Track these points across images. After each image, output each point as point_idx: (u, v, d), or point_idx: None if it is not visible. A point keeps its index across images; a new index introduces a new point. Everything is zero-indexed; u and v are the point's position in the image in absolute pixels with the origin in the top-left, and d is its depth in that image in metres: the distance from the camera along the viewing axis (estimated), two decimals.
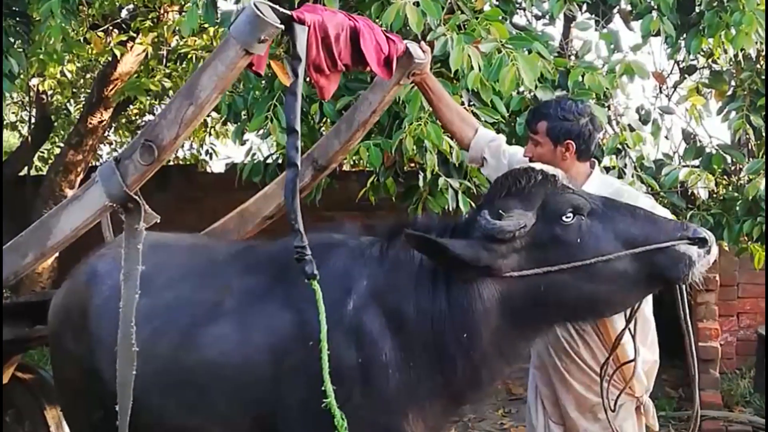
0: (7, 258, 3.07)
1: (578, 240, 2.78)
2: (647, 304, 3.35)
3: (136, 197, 2.79)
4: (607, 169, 4.39)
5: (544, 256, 2.79)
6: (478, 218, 2.79)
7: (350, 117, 3.63)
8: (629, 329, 3.19)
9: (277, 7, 2.62)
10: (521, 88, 4.11)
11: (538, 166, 2.94)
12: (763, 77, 4.85)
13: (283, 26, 2.61)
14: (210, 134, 11.14)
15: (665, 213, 3.36)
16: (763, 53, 4.95)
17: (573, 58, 4.76)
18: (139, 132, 2.74)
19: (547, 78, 4.24)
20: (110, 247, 3.75)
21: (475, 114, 4.06)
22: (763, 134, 4.87)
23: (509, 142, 4.20)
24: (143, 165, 2.73)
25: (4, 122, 11.81)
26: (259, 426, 3.05)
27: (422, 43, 3.48)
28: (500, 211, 2.79)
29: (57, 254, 8.07)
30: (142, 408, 3.22)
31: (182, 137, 2.73)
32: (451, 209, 4.15)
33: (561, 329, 3.35)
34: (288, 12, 2.63)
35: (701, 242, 2.78)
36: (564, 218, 2.79)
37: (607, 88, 4.30)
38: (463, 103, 4.09)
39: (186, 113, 2.68)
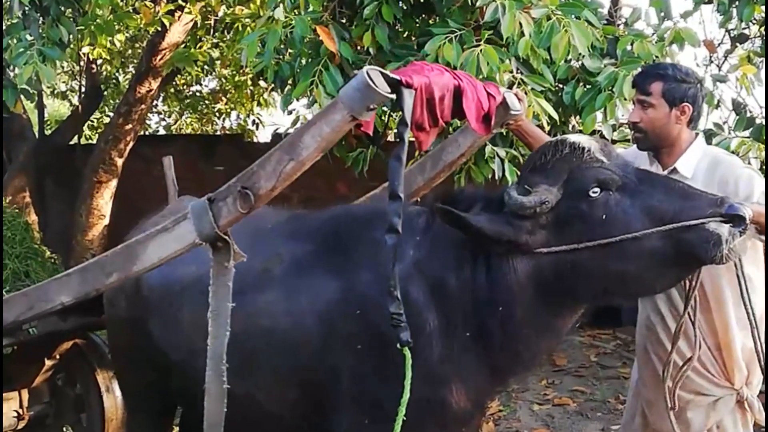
0: (90, 273, 3.10)
1: (604, 216, 2.68)
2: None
3: (227, 237, 2.81)
4: None
5: (571, 232, 2.71)
6: (504, 193, 2.76)
7: (437, 155, 3.58)
8: (689, 313, 3.13)
9: (387, 72, 2.59)
10: (569, 56, 4.05)
11: (571, 138, 2.81)
12: None
13: (393, 95, 2.58)
14: (258, 104, 11.17)
15: (762, 185, 3.16)
16: None
17: (622, 25, 4.68)
18: (235, 180, 2.75)
19: (595, 46, 4.16)
20: (163, 215, 3.82)
21: (523, 82, 4.03)
22: None
23: (556, 111, 4.18)
24: (238, 210, 2.74)
25: (55, 91, 11.99)
26: (305, 394, 3.08)
27: (518, 91, 3.41)
28: (526, 187, 2.73)
29: (107, 221, 8.30)
30: (189, 371, 3.30)
31: (279, 189, 2.71)
32: (497, 177, 4.12)
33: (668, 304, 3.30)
34: (397, 77, 2.60)
35: (737, 219, 2.62)
36: (590, 193, 2.69)
37: (656, 57, 4.19)
38: (511, 71, 4.05)
39: (285, 168, 2.66)
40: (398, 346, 2.66)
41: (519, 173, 4.16)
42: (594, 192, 2.69)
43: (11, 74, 5.70)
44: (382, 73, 2.55)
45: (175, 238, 2.86)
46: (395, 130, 2.63)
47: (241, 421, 3.33)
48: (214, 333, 2.84)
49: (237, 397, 3.15)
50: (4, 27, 5.21)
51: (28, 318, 3.39)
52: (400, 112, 2.61)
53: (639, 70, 3.86)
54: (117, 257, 3.02)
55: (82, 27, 6.15)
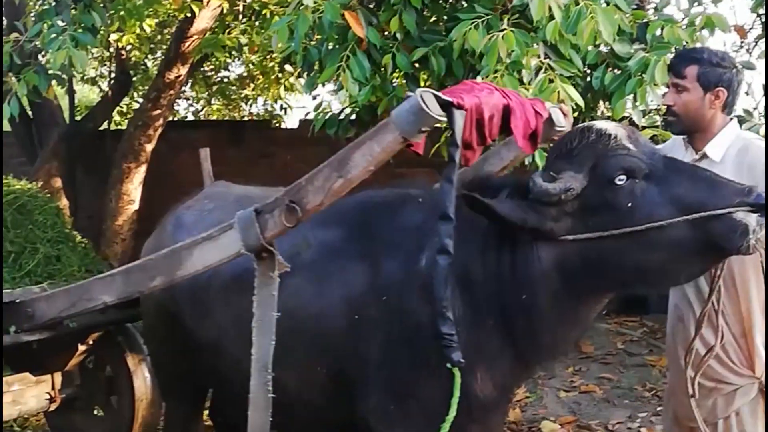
0: (135, 276, 3.18)
1: (629, 204, 2.65)
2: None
3: (272, 248, 2.85)
4: None
5: (596, 220, 2.69)
6: (530, 180, 2.74)
7: (479, 166, 3.52)
8: (713, 302, 3.12)
9: (439, 94, 2.61)
10: (598, 42, 4.03)
11: (597, 125, 2.80)
12: None
13: (445, 118, 2.60)
14: (285, 88, 11.20)
15: None
16: None
17: (652, 10, 4.64)
18: (283, 194, 2.80)
19: (624, 31, 4.13)
20: (197, 199, 3.87)
21: (551, 67, 4.01)
22: None
23: (584, 97, 4.16)
24: (284, 224, 2.79)
25: (84, 77, 12.07)
26: (334, 379, 3.12)
27: (563, 105, 3.39)
28: (552, 173, 2.72)
29: (136, 206, 8.39)
30: (221, 354, 3.34)
31: (326, 205, 2.77)
32: (527, 163, 4.10)
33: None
34: (449, 99, 2.60)
35: (765, 209, 2.60)
36: (616, 181, 2.66)
37: (686, 42, 4.15)
38: (539, 57, 4.03)
39: (334, 185, 2.72)
40: (448, 365, 2.70)
41: None
42: (620, 180, 2.67)
43: (42, 60, 5.75)
44: (434, 95, 2.58)
45: (221, 246, 2.93)
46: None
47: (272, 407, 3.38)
48: (259, 342, 2.90)
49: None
50: (36, 12, 5.26)
51: (69, 314, 3.47)
52: (450, 132, 2.63)
53: (670, 55, 3.83)
54: (162, 262, 3.10)
55: (112, 12, 6.19)
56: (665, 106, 3.35)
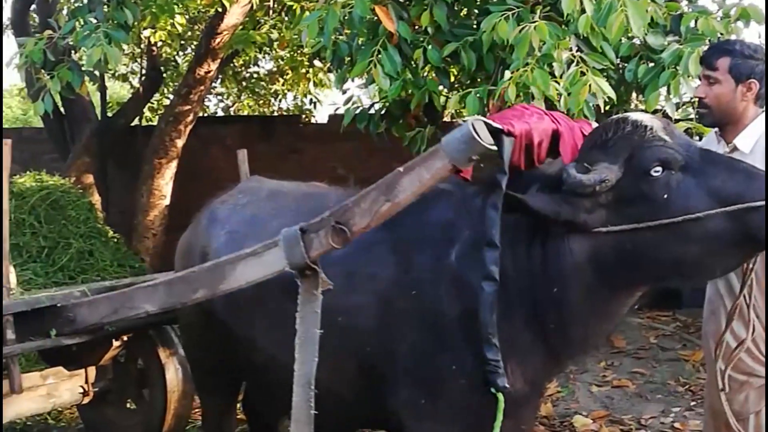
0: (177, 287, 3.23)
1: (665, 196, 2.62)
2: None
3: (316, 267, 2.87)
4: None
5: (631, 212, 2.65)
6: (562, 171, 2.70)
7: None
8: (744, 296, 3.08)
9: (490, 121, 2.62)
10: (631, 34, 3.99)
11: (633, 116, 2.76)
12: None
13: (495, 147, 2.62)
14: (314, 84, 11.23)
15: None
16: None
17: (685, 1, 4.59)
18: (329, 214, 2.84)
19: (658, 23, 4.08)
20: (231, 194, 3.90)
21: (582, 60, 3.98)
22: None
23: (617, 90, 4.12)
24: (330, 244, 2.82)
25: (116, 73, 12.16)
26: (365, 374, 3.13)
27: None
28: (586, 165, 2.68)
29: (168, 201, 8.45)
30: (256, 348, 3.37)
31: (372, 226, 2.80)
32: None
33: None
34: (499, 126, 2.62)
35: None
36: (652, 172, 2.63)
37: (721, 34, 4.09)
38: (570, 49, 4.01)
39: (381, 208, 2.75)
40: (493, 390, 2.74)
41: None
42: (656, 171, 2.63)
43: (75, 57, 5.80)
44: (485, 123, 2.60)
45: (265, 263, 2.96)
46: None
47: None
48: (302, 359, 2.92)
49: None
50: (68, 9, 5.30)
51: (111, 321, 3.51)
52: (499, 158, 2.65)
53: (704, 47, 3.79)
54: (205, 275, 3.14)
55: (144, 9, 6.23)
56: (697, 99, 3.35)
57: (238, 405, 4.51)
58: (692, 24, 4.09)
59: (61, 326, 3.61)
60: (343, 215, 2.80)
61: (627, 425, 5.61)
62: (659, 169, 2.64)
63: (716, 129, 3.41)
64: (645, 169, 2.65)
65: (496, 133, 2.64)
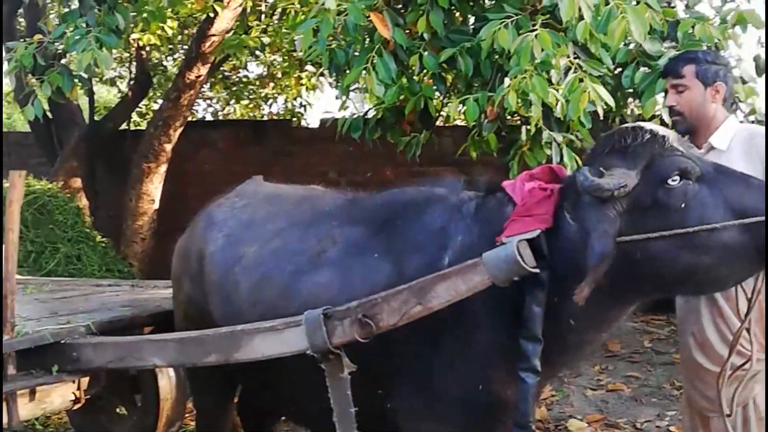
0: (189, 347, 3.19)
1: (682, 206, 2.59)
2: None
3: (339, 351, 2.87)
4: None
5: (645, 220, 2.62)
6: (577, 175, 2.66)
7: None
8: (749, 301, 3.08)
9: (532, 234, 2.66)
10: (628, 41, 4.00)
11: (648, 125, 2.74)
12: None
13: (537, 270, 2.63)
14: (306, 88, 11.22)
15: None
16: None
17: (683, 7, 4.60)
18: (357, 305, 2.85)
19: (655, 29, 4.09)
20: (228, 197, 3.89)
21: (580, 67, 3.98)
22: None
23: (614, 95, 4.13)
24: (353, 335, 2.81)
25: (104, 78, 12.10)
26: (361, 375, 3.09)
27: None
28: (601, 169, 2.63)
29: (156, 206, 8.41)
30: None
31: (400, 325, 2.78)
32: (554, 162, 4.07)
33: None
34: (537, 231, 2.67)
35: None
36: (669, 181, 2.60)
37: (718, 40, 4.12)
38: (568, 56, 4.00)
39: (412, 310, 2.75)
40: None
41: (578, 157, 4.16)
42: (673, 180, 2.61)
43: (64, 61, 5.76)
44: (528, 243, 2.63)
45: (285, 341, 2.95)
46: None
47: (300, 401, 3.38)
48: None
49: (294, 377, 3.20)
50: (61, 14, 5.27)
51: (115, 367, 3.45)
52: None
53: None
54: (220, 340, 3.11)
55: (135, 14, 6.20)
56: (669, 107, 3.44)
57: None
58: (690, 30, 4.10)
59: (63, 363, 3.53)
60: (371, 309, 2.80)
61: (622, 429, 5.61)
62: (677, 178, 2.62)
63: (686, 136, 3.45)
64: (664, 177, 2.62)
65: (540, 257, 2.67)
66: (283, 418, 4.56)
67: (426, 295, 2.73)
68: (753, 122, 4.45)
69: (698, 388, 3.51)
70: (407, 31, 4.40)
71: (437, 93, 4.61)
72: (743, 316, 3.10)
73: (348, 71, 4.55)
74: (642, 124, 2.76)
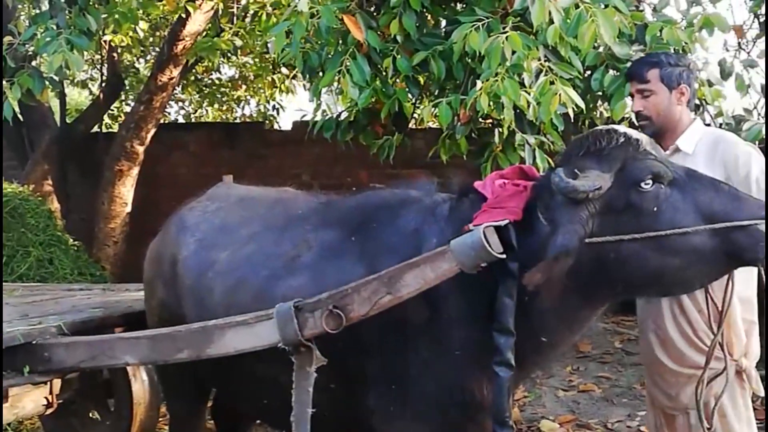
0: (161, 344, 3.17)
1: (655, 209, 2.65)
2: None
3: (310, 344, 2.86)
4: None
5: (618, 222, 2.66)
6: (552, 176, 2.69)
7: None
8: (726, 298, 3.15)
9: (499, 222, 2.68)
10: (597, 44, 4.04)
11: (621, 128, 2.79)
12: None
13: (504, 256, 2.65)
14: (280, 90, 11.20)
15: (760, 163, 3.30)
16: None
17: (651, 11, 4.65)
18: (327, 296, 2.86)
19: (624, 33, 4.13)
20: (200, 200, 3.88)
21: (550, 70, 4.02)
22: None
23: (584, 98, 4.17)
24: (324, 326, 2.81)
25: (75, 80, 12.00)
26: (334, 377, 3.09)
27: None
28: (576, 171, 2.67)
29: (129, 208, 8.35)
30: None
31: (370, 315, 2.79)
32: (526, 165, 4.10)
33: None
34: (506, 220, 2.69)
35: None
36: (642, 185, 2.65)
37: (685, 43, 4.17)
38: (539, 59, 4.04)
39: (381, 299, 2.76)
40: None
41: (551, 159, 4.20)
42: (646, 184, 2.66)
43: (35, 63, 5.72)
44: (495, 228, 2.65)
45: (256, 334, 2.95)
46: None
47: (272, 403, 3.38)
48: None
49: (267, 379, 3.20)
50: (31, 16, 5.24)
51: (87, 366, 3.43)
52: None
53: None
54: (192, 335, 3.09)
55: (106, 15, 6.16)
56: (635, 112, 3.48)
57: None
58: (658, 33, 4.14)
59: (35, 364, 3.50)
60: (342, 300, 2.81)
61: (594, 429, 5.67)
62: (650, 181, 2.67)
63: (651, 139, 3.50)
64: (637, 180, 2.67)
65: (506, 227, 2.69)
66: (258, 421, 4.56)
67: (395, 284, 2.74)
68: (720, 125, 4.51)
69: (660, 386, 3.58)
70: (380, 34, 4.40)
71: (410, 96, 4.62)
72: (716, 328, 3.16)
73: (321, 73, 4.56)
74: (615, 127, 2.82)
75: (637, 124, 3.52)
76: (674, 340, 3.44)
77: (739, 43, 5.10)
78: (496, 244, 2.64)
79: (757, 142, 4.46)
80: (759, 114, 4.90)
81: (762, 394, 3.46)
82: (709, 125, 4.27)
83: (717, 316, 3.23)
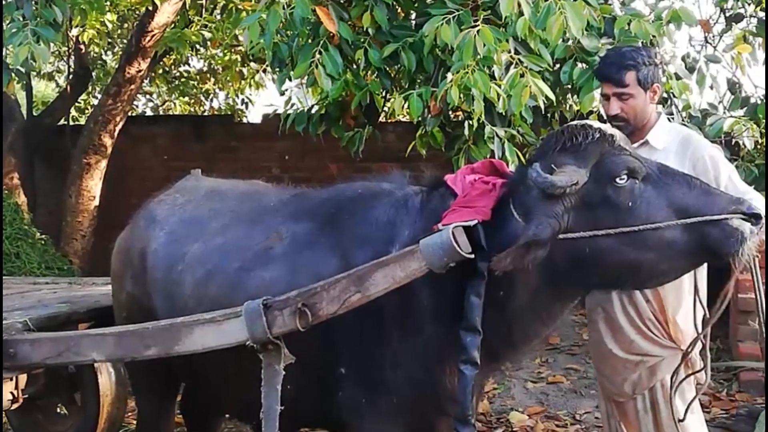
0: (128, 340, 3.14)
1: (629, 204, 2.68)
2: None
3: (278, 342, 2.86)
4: None
5: (593, 217, 2.69)
6: (529, 171, 2.70)
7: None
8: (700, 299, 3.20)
9: (470, 223, 2.69)
10: (566, 36, 4.06)
11: (596, 124, 2.81)
12: None
13: (473, 256, 2.66)
14: (249, 84, 11.13)
15: (728, 165, 3.36)
16: None
17: (619, 4, 4.69)
18: (296, 294, 2.86)
19: (592, 26, 4.16)
20: (168, 193, 3.85)
21: (520, 62, 4.03)
22: None
23: (553, 90, 4.19)
24: (293, 324, 2.81)
25: (41, 72, 11.85)
26: (307, 372, 3.09)
27: None
28: (552, 166, 2.69)
29: (97, 202, 8.26)
30: None
31: (339, 313, 2.79)
32: (496, 157, 4.12)
33: None
34: (475, 220, 2.71)
35: (755, 218, 2.66)
36: (618, 180, 2.68)
37: (653, 36, 4.22)
38: (509, 51, 4.05)
39: (351, 298, 2.76)
40: None
41: (521, 151, 4.22)
42: (622, 179, 2.69)
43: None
44: (464, 229, 2.67)
45: (224, 332, 2.93)
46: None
47: (243, 399, 3.37)
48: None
49: (241, 374, 3.19)
50: None
51: (53, 363, 3.38)
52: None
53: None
54: (160, 333, 3.07)
55: (73, 6, 6.08)
56: (611, 116, 3.45)
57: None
58: (626, 26, 4.17)
59: None
60: (311, 298, 2.81)
61: (562, 420, 5.71)
62: (625, 177, 2.70)
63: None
64: (613, 175, 2.70)
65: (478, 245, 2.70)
66: (227, 415, 4.54)
67: (364, 283, 2.75)
68: (684, 117, 4.55)
69: (606, 374, 3.63)
70: (351, 26, 4.40)
71: (382, 88, 4.62)
72: (699, 330, 3.18)
73: (290, 65, 4.54)
74: (591, 122, 2.84)
75: (612, 125, 3.51)
76: (623, 328, 3.48)
77: (705, 38, 5.15)
78: (465, 244, 2.66)
79: (719, 138, 4.53)
80: (725, 108, 4.95)
81: (703, 380, 3.38)
82: (672, 118, 4.32)
83: (659, 305, 3.37)
